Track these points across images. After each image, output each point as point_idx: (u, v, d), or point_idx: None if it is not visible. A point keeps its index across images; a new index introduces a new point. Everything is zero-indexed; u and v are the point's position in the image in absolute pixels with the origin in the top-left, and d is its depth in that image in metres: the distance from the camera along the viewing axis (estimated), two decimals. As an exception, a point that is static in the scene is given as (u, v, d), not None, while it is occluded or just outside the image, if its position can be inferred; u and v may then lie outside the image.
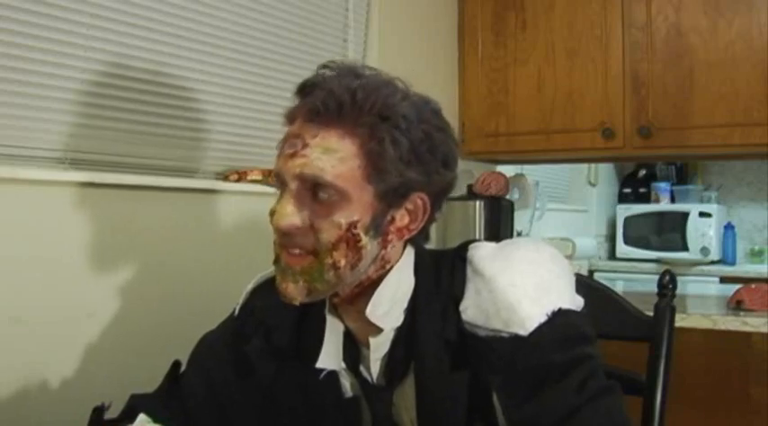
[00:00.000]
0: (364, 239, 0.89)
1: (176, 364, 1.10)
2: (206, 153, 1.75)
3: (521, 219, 2.76)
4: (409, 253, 0.98)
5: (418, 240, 0.98)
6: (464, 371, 0.93)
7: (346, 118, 0.87)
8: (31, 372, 1.33)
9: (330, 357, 0.97)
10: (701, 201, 4.24)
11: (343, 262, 0.89)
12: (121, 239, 1.49)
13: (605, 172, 4.55)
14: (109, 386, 1.36)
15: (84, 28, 1.45)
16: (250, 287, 1.11)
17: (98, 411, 1.02)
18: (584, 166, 4.26)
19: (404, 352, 0.95)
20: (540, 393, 0.86)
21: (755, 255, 4.15)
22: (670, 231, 4.11)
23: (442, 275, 0.96)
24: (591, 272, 3.72)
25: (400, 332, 0.95)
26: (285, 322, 1.02)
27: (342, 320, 0.99)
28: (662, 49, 2.39)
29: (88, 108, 1.48)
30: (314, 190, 0.88)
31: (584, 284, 1.06)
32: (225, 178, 1.77)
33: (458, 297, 0.93)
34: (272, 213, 0.91)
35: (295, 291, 0.91)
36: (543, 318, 0.88)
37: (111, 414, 1.03)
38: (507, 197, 2.53)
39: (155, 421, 0.93)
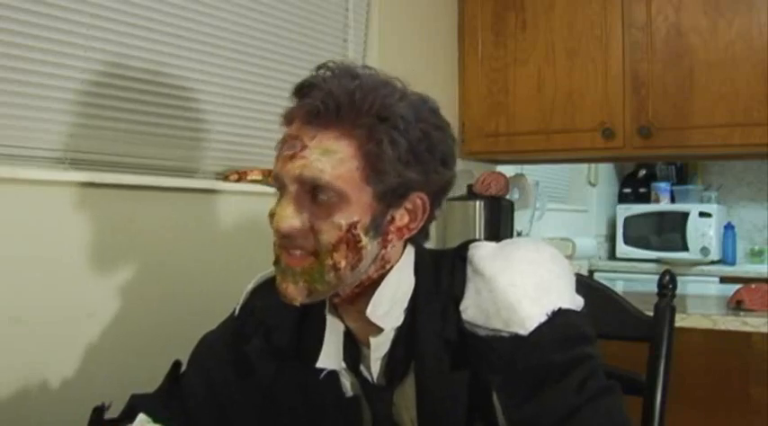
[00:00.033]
0: (364, 239, 0.89)
1: (177, 364, 1.10)
2: (206, 153, 1.75)
3: (521, 219, 2.76)
4: (409, 253, 0.98)
5: (418, 239, 0.98)
6: (464, 371, 0.93)
7: (344, 119, 0.87)
8: (31, 372, 1.33)
9: (330, 357, 0.97)
10: (701, 201, 4.24)
11: (343, 263, 0.89)
12: (121, 239, 1.49)
13: (605, 172, 4.55)
14: (109, 386, 1.36)
15: (84, 28, 1.45)
16: (250, 287, 1.11)
17: (98, 411, 1.02)
18: (584, 166, 4.25)
19: (404, 352, 0.95)
20: (540, 393, 0.86)
21: (755, 255, 4.15)
22: (670, 231, 4.11)
23: (443, 275, 0.96)
24: (591, 272, 3.72)
25: (400, 331, 0.95)
26: (285, 322, 1.02)
27: (342, 320, 0.99)
28: (662, 49, 2.39)
29: (88, 108, 1.48)
30: (313, 192, 0.88)
31: (585, 284, 1.06)
32: (225, 178, 1.77)
33: (458, 296, 0.93)
34: (272, 215, 0.91)
35: (295, 292, 0.91)
36: (543, 318, 0.88)
37: (111, 414, 1.03)
38: (507, 197, 2.53)
39: (155, 420, 0.93)
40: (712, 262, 3.96)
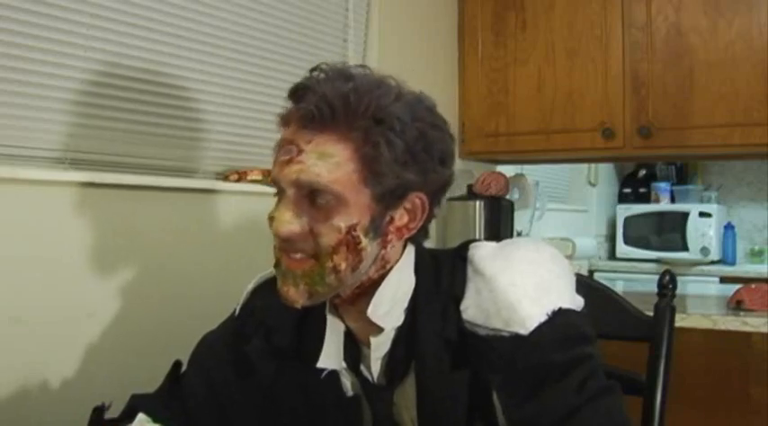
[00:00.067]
0: (364, 241, 0.89)
1: (177, 364, 1.10)
2: (206, 153, 1.75)
3: (521, 219, 2.76)
4: (410, 253, 0.98)
5: (418, 238, 0.98)
6: (464, 370, 0.93)
7: (340, 122, 0.87)
8: (31, 372, 1.33)
9: (331, 357, 0.98)
10: (701, 201, 4.24)
11: (343, 265, 0.89)
12: (121, 239, 1.49)
13: (605, 172, 4.55)
14: (109, 386, 1.36)
15: (84, 28, 1.45)
16: (251, 287, 1.11)
17: (98, 411, 1.02)
18: (584, 166, 4.25)
19: (404, 352, 0.95)
20: (541, 392, 0.86)
21: (755, 255, 4.15)
22: (670, 231, 4.12)
23: (443, 275, 0.96)
24: (591, 272, 3.72)
25: (401, 331, 0.95)
26: (285, 322, 1.02)
27: (342, 319, 0.99)
28: (662, 49, 2.39)
29: (88, 108, 1.48)
30: (311, 196, 0.88)
31: (585, 284, 1.06)
32: (225, 178, 1.77)
33: (458, 296, 0.93)
34: (271, 218, 0.91)
35: (296, 295, 0.91)
36: (543, 318, 0.88)
37: (111, 414, 1.03)
38: (507, 197, 2.53)
39: (154, 420, 0.93)
40: (712, 262, 3.97)
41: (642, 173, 4.57)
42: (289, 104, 0.92)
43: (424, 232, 0.98)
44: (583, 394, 0.84)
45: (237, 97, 1.82)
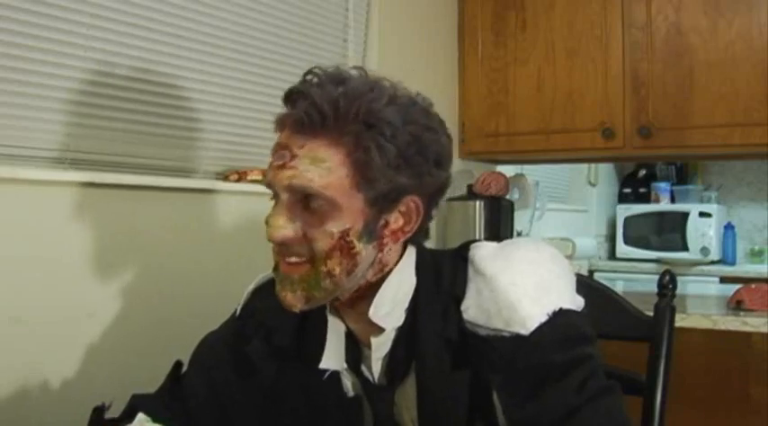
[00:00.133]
0: (358, 245, 0.89)
1: (178, 364, 1.11)
2: (206, 153, 1.75)
3: (521, 219, 2.76)
4: (410, 253, 0.98)
5: (418, 239, 0.98)
6: (465, 370, 0.93)
7: (331, 128, 0.87)
8: (31, 372, 1.32)
9: (333, 357, 0.98)
10: (701, 201, 4.24)
11: (338, 270, 0.89)
12: (121, 239, 1.49)
13: (605, 172, 4.55)
14: (109, 386, 1.36)
15: (84, 28, 1.45)
16: (251, 287, 1.11)
17: (98, 411, 1.02)
18: (584, 166, 4.25)
19: (405, 352, 0.95)
20: (541, 392, 0.86)
21: (755, 255, 4.15)
22: (670, 231, 4.11)
23: (444, 275, 0.96)
24: (591, 272, 3.72)
25: (401, 331, 0.95)
26: (286, 323, 1.02)
27: (343, 320, 0.99)
28: (662, 49, 2.39)
29: (88, 108, 1.48)
30: (305, 200, 0.88)
31: (585, 284, 1.06)
32: (225, 178, 1.77)
33: (459, 296, 0.94)
34: (267, 222, 0.91)
35: (294, 300, 0.92)
36: (544, 318, 0.88)
37: (111, 414, 1.03)
38: (507, 197, 2.53)
39: (155, 420, 0.93)
40: (712, 262, 3.96)
41: (642, 173, 4.57)
42: (284, 108, 0.92)
43: (424, 232, 0.98)
44: (583, 394, 0.84)
45: (237, 97, 1.82)
